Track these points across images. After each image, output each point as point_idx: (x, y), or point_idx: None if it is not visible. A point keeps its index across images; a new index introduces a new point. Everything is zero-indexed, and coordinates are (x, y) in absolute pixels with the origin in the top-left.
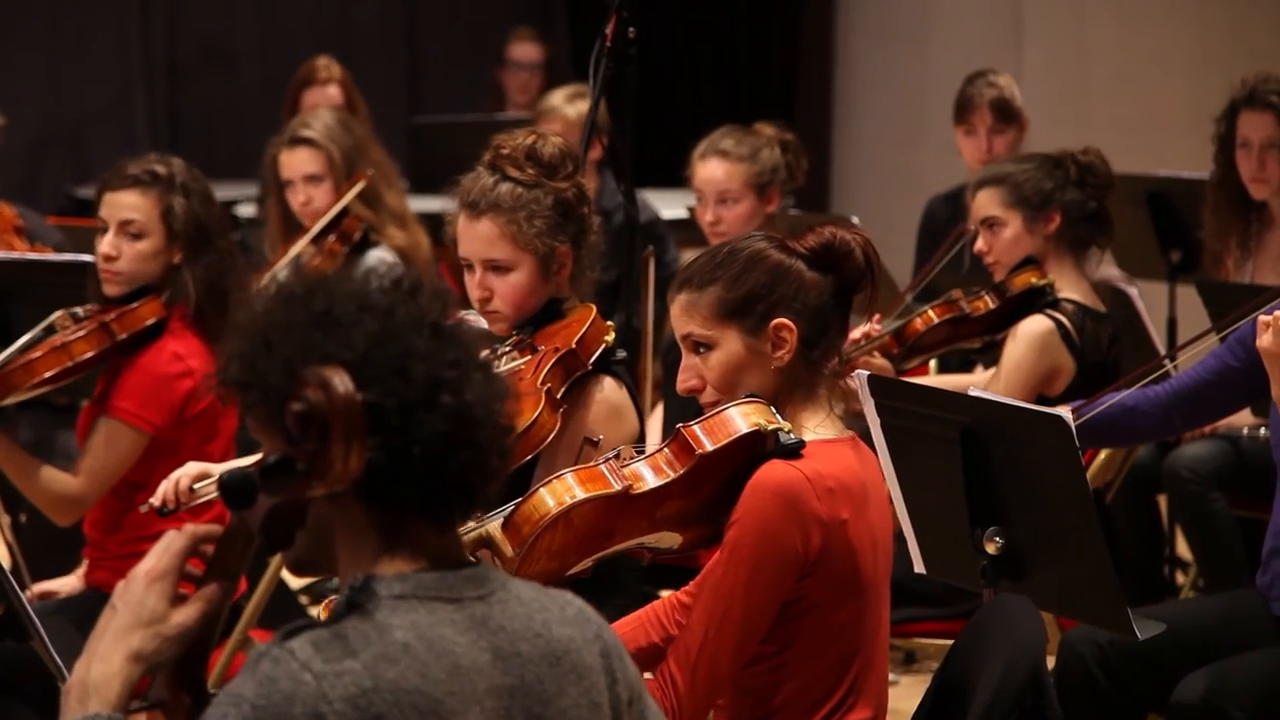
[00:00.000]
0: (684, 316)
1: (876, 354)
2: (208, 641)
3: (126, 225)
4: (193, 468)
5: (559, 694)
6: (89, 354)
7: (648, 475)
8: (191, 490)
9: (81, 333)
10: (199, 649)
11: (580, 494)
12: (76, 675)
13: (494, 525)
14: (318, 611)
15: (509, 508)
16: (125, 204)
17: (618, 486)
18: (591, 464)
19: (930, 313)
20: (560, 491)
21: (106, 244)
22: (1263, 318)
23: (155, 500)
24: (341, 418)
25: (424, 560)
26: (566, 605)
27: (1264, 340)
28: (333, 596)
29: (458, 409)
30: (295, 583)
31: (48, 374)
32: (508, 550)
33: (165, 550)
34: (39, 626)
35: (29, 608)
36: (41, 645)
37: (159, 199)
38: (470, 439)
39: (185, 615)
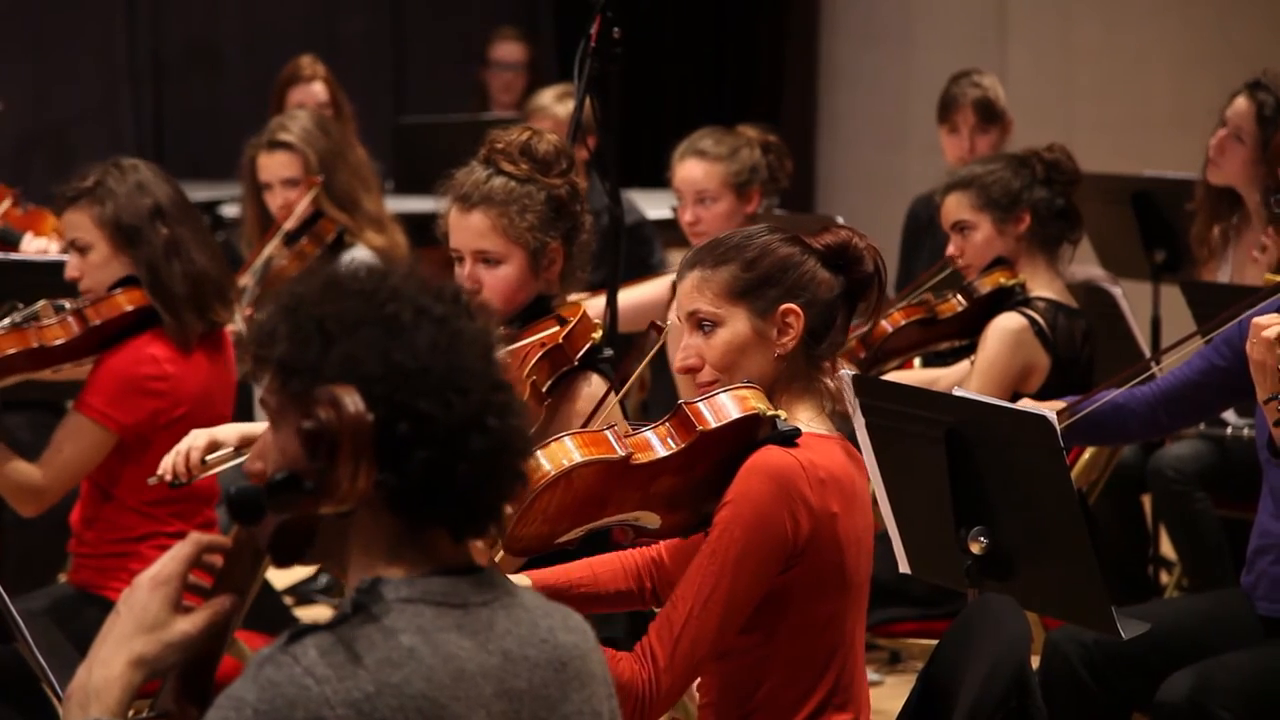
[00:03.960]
0: (694, 293)
1: (843, 360)
2: (215, 654)
3: (75, 243)
4: (201, 437)
5: (563, 700)
6: (60, 340)
7: (649, 445)
8: (203, 463)
9: (55, 320)
10: (206, 662)
11: (579, 456)
12: (78, 680)
13: None
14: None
15: None
16: (68, 224)
17: (620, 453)
18: (595, 429)
19: (896, 314)
20: (558, 454)
21: (70, 267)
22: (1257, 320)
23: (165, 474)
24: (350, 437)
25: (433, 566)
26: (569, 615)
27: (1254, 350)
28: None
29: (503, 433)
30: (280, 583)
31: (11, 350)
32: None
33: (171, 557)
34: (23, 628)
35: (13, 609)
36: (26, 647)
37: (88, 209)
38: (509, 464)
39: (190, 623)
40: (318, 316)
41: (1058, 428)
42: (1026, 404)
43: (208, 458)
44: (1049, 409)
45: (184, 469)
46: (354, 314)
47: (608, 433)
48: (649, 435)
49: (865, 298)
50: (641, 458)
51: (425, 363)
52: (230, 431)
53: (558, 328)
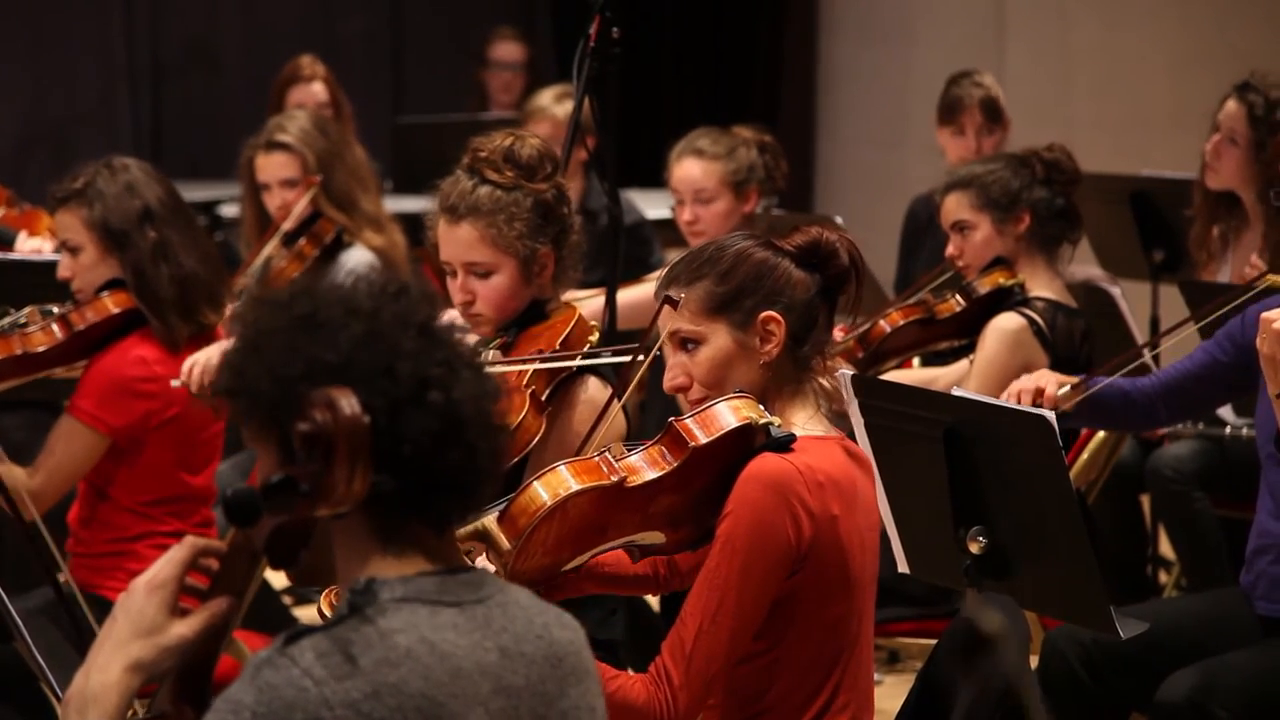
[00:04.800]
0: (672, 313)
1: (841, 360)
2: (212, 656)
3: (66, 244)
4: None
5: (560, 695)
6: (44, 346)
7: (642, 468)
8: None
9: (39, 326)
10: (203, 663)
11: (575, 485)
12: (75, 685)
13: (489, 519)
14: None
15: (503, 502)
16: (60, 225)
17: (613, 479)
18: (586, 457)
19: (895, 314)
20: (554, 484)
21: (62, 267)
22: (1266, 314)
23: (192, 385)
24: (346, 439)
25: (423, 563)
26: (562, 613)
27: (1264, 345)
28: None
29: (446, 406)
30: (279, 583)
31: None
32: (504, 543)
33: (166, 560)
34: (22, 628)
35: (12, 609)
36: (25, 647)
37: (78, 210)
38: (460, 437)
39: (186, 627)
40: (250, 338)
41: (1056, 427)
42: (1044, 375)
43: None
44: (1064, 382)
45: (209, 386)
46: (273, 325)
47: (598, 459)
48: (641, 458)
49: (845, 292)
50: (635, 480)
51: (348, 355)
52: None
53: (553, 336)
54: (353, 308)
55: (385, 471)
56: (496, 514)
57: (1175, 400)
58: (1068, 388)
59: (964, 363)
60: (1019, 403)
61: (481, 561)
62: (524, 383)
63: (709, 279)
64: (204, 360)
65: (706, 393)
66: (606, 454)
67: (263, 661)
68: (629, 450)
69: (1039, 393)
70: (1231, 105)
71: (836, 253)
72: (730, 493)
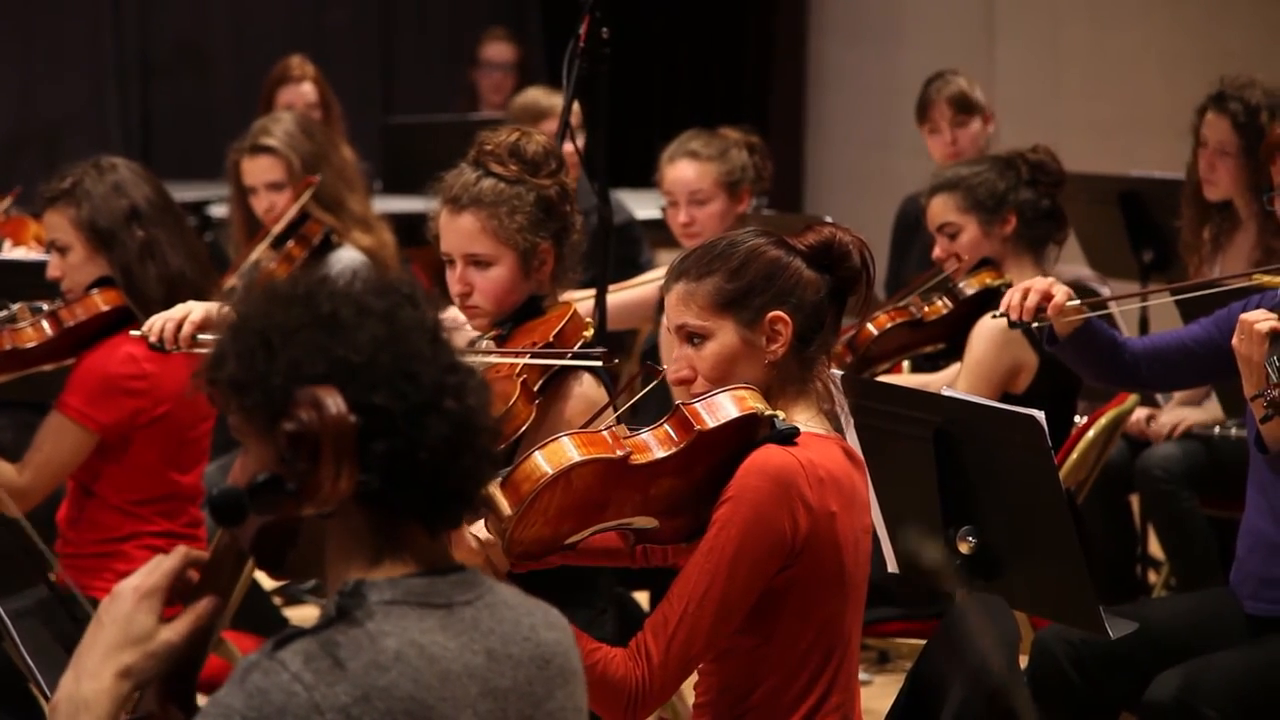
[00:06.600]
0: (680, 306)
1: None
2: (199, 657)
3: (54, 244)
4: (198, 311)
5: (547, 697)
6: (34, 343)
7: (647, 446)
8: (194, 340)
9: (29, 323)
10: (189, 664)
11: (578, 456)
12: (64, 690)
13: (492, 484)
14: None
15: (506, 470)
16: (48, 225)
17: (618, 453)
18: (592, 430)
19: (882, 317)
20: (557, 453)
21: (51, 267)
22: (1245, 316)
23: (151, 335)
24: (332, 438)
25: (414, 565)
26: (549, 611)
27: (1242, 345)
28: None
29: (462, 414)
30: (269, 584)
31: None
32: (505, 509)
33: (155, 568)
34: (10, 628)
35: (0, 609)
36: (13, 646)
37: (65, 210)
38: (472, 444)
39: (173, 632)
40: (260, 329)
41: (1045, 427)
42: (1058, 283)
43: (199, 335)
44: (1073, 297)
45: (171, 338)
46: (294, 320)
47: (605, 433)
48: (647, 436)
49: (854, 292)
50: (640, 458)
51: (370, 356)
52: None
53: (547, 329)
54: (364, 307)
55: (398, 476)
56: (500, 479)
57: (1158, 365)
58: (1076, 303)
59: (955, 367)
60: (1025, 298)
61: (480, 528)
62: (516, 371)
63: (719, 274)
64: (165, 317)
65: (710, 387)
66: (614, 428)
67: (251, 665)
68: (633, 430)
69: (1046, 296)
70: (1212, 118)
71: (849, 254)
72: (729, 483)
